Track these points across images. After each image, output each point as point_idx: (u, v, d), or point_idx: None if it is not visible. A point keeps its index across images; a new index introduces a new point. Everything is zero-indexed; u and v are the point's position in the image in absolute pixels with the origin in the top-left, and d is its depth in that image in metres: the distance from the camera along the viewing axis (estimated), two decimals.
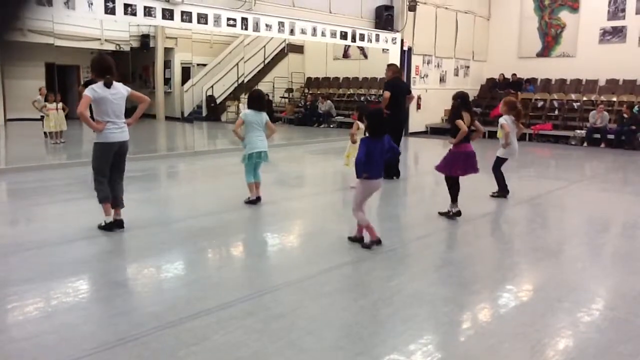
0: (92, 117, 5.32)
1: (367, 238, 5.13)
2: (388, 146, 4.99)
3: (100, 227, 5.49)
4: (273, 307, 3.74)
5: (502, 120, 7.31)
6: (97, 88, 5.14)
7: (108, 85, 5.15)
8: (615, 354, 3.16)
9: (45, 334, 3.27)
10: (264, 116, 6.72)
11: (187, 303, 3.79)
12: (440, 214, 6.32)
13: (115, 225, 5.50)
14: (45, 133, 13.14)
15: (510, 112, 7.30)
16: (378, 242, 5.06)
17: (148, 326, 3.37)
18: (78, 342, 3.17)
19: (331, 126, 18.77)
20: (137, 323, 3.44)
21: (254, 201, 6.87)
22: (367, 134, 5.01)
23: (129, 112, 5.48)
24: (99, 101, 5.15)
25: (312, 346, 3.18)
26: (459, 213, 6.22)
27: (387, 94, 8.64)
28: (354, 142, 7.98)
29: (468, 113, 6.11)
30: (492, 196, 7.45)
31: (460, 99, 6.21)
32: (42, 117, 13.66)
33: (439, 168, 6.34)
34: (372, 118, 5.04)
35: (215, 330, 3.35)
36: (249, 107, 6.74)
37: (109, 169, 5.43)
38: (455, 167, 6.18)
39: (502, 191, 7.49)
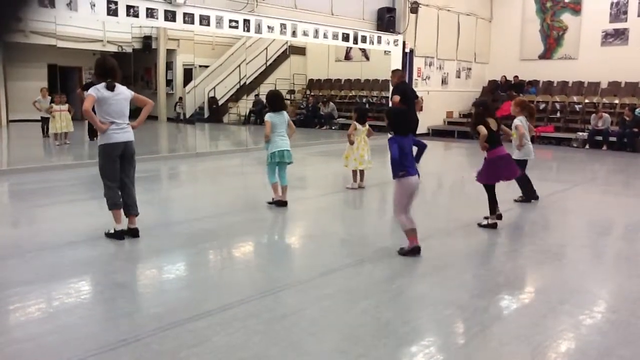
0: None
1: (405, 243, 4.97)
2: (414, 142, 4.91)
3: (108, 235, 5.29)
4: (275, 308, 3.74)
5: (516, 121, 7.14)
6: (100, 88, 5.13)
7: (110, 88, 5.15)
8: (616, 357, 3.15)
9: (46, 335, 3.27)
10: (285, 116, 6.75)
11: (188, 304, 3.80)
12: (480, 225, 6.04)
13: (130, 234, 5.33)
14: (49, 133, 13.16)
15: (523, 112, 7.22)
16: (418, 250, 4.88)
17: (150, 327, 3.37)
18: (80, 343, 3.17)
19: (333, 128, 18.77)
20: (138, 324, 3.44)
21: (278, 202, 6.80)
22: (392, 133, 4.88)
23: (133, 114, 5.45)
24: (101, 101, 5.14)
25: (314, 348, 3.18)
26: (495, 225, 6.00)
27: (396, 98, 8.66)
28: (351, 142, 7.99)
29: (493, 118, 6.00)
30: (516, 201, 7.31)
31: (482, 106, 6.16)
32: (43, 118, 13.69)
33: (480, 179, 6.10)
34: (396, 117, 4.95)
35: (216, 331, 3.35)
36: (271, 108, 6.75)
37: (117, 173, 5.29)
38: (498, 174, 6.00)
39: (528, 196, 7.31)
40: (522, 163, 7.20)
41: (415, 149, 5.05)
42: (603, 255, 5.48)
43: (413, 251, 4.88)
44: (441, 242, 5.61)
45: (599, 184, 10.08)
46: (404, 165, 4.73)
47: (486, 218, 6.06)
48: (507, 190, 7.55)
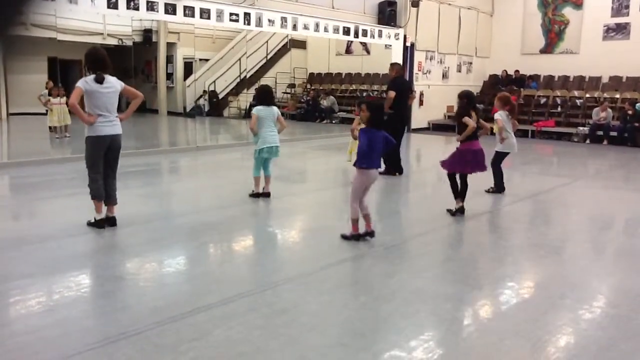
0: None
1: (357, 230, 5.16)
2: (384, 137, 5.07)
3: (90, 224, 5.40)
4: (275, 302, 3.74)
5: (496, 115, 7.41)
6: (89, 81, 5.12)
7: (99, 81, 5.13)
8: (616, 352, 3.16)
9: (47, 328, 3.28)
10: (275, 110, 6.74)
11: (188, 298, 3.80)
12: (448, 211, 6.27)
13: (108, 223, 5.43)
14: (49, 127, 13.12)
15: (504, 107, 7.36)
16: (358, 237, 5.12)
17: (150, 321, 3.37)
18: (80, 336, 3.18)
19: (333, 122, 18.75)
20: (138, 318, 3.44)
21: (259, 195, 6.86)
22: (366, 125, 5.08)
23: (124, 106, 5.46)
24: (91, 94, 5.13)
25: (314, 342, 3.18)
26: (462, 210, 6.19)
27: (392, 93, 8.63)
28: (355, 138, 7.98)
29: (474, 111, 6.14)
30: (487, 192, 7.45)
31: (466, 97, 6.26)
32: (47, 111, 13.65)
33: (444, 165, 6.29)
34: (374, 110, 5.09)
35: (216, 325, 3.35)
36: (259, 102, 6.75)
37: (102, 165, 5.36)
38: (463, 165, 6.15)
39: (498, 188, 7.48)
40: (502, 155, 7.47)
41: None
42: (604, 250, 5.48)
43: (354, 237, 5.12)
44: (441, 236, 5.62)
45: (600, 178, 10.07)
46: (370, 158, 4.94)
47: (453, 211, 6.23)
48: (508, 185, 7.56)
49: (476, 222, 6.08)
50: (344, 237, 5.18)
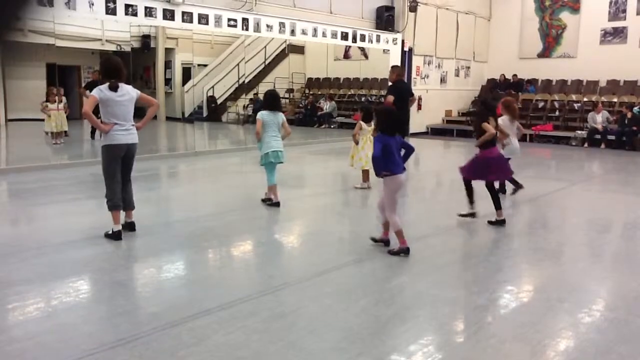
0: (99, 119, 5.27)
1: (393, 243, 5.02)
2: (401, 143, 4.94)
3: (107, 235, 5.27)
4: (274, 307, 3.74)
5: (499, 120, 7.33)
6: (104, 89, 5.07)
7: (113, 88, 5.09)
8: (615, 355, 3.16)
9: (45, 334, 3.28)
10: (280, 116, 6.66)
11: (187, 303, 3.80)
12: (461, 215, 6.25)
13: (128, 228, 5.37)
14: (46, 132, 13.09)
15: (506, 112, 7.36)
16: (407, 250, 4.89)
17: (149, 326, 3.37)
18: (79, 342, 3.17)
19: (332, 127, 18.78)
20: (137, 323, 3.44)
21: (277, 204, 6.75)
22: (379, 132, 4.93)
23: (138, 113, 5.39)
24: (105, 102, 5.08)
25: (313, 346, 3.18)
26: (473, 215, 6.16)
27: (390, 97, 8.64)
28: (356, 142, 7.98)
29: (493, 118, 6.06)
30: (511, 194, 7.43)
31: (483, 105, 6.25)
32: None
33: (463, 171, 6.19)
34: (381, 115, 4.97)
35: (215, 330, 3.35)
36: (265, 107, 6.69)
37: (119, 173, 5.28)
38: (484, 173, 6.05)
39: (517, 186, 7.45)
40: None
41: (402, 152, 5.02)
42: (602, 253, 5.48)
43: (403, 252, 4.89)
44: (440, 240, 5.62)
45: (598, 182, 10.08)
46: (387, 165, 4.77)
47: (467, 215, 6.22)
48: (506, 189, 7.57)
49: (475, 226, 6.08)
50: (392, 252, 4.93)
